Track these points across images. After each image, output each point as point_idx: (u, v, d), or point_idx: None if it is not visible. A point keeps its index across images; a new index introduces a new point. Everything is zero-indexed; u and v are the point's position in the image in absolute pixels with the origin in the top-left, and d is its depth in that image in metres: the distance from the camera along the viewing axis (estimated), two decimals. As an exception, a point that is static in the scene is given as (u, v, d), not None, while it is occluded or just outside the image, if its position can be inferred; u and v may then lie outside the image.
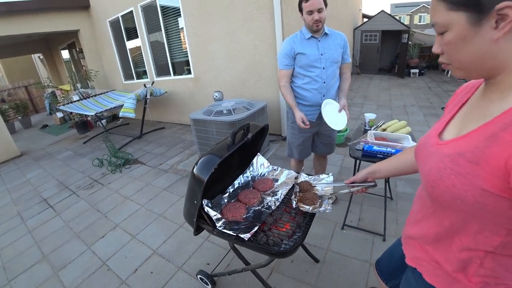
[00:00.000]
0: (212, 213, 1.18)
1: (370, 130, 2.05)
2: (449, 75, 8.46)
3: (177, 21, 4.89)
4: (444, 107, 0.88)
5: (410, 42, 9.21)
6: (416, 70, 8.97)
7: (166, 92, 5.42)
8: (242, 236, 1.08)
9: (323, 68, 1.93)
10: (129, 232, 2.42)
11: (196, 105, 5.18)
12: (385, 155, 1.67)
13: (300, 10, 1.86)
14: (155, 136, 5.27)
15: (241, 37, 4.05)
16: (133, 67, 6.28)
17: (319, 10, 1.78)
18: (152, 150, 4.50)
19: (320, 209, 1.17)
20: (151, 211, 2.71)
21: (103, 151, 4.45)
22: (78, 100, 5.48)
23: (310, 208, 1.17)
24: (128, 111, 4.36)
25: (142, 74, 6.24)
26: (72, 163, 4.38)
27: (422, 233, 0.74)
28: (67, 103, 5.46)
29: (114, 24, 6.09)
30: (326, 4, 1.81)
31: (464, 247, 0.62)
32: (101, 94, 5.81)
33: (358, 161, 2.06)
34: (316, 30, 1.86)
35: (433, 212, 0.69)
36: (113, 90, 6.09)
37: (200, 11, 4.34)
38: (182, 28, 4.78)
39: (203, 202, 1.20)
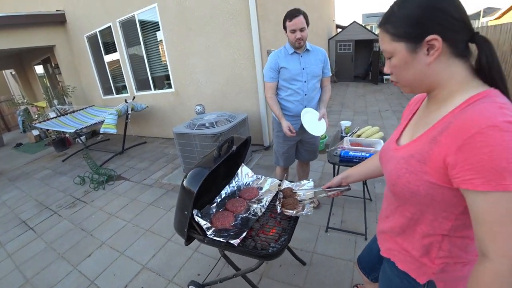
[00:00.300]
0: (202, 222, 1.25)
1: (346, 136, 2.21)
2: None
3: (157, 36, 4.95)
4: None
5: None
6: (389, 76, 9.42)
7: (147, 106, 5.41)
8: (232, 242, 1.15)
9: (305, 82, 2.08)
10: (117, 249, 2.40)
11: (178, 119, 5.21)
12: (361, 159, 1.80)
13: (284, 28, 2.00)
14: (137, 151, 5.22)
15: (221, 51, 4.16)
16: (112, 82, 6.22)
17: (301, 29, 1.93)
18: (135, 165, 4.46)
19: (303, 212, 1.27)
20: (138, 226, 2.70)
21: (84, 169, 4.35)
22: (55, 117, 5.35)
23: (294, 212, 1.27)
24: (109, 127, 4.32)
25: (121, 89, 6.19)
26: (51, 182, 4.25)
27: (391, 226, 0.84)
28: (44, 120, 5.31)
29: (92, 39, 6.04)
30: (308, 24, 1.97)
31: (425, 234, 0.73)
32: (80, 110, 5.71)
33: (337, 166, 2.20)
34: (298, 47, 2.01)
35: (397, 207, 0.80)
36: (92, 106, 6.00)
37: (180, 26, 4.43)
38: (162, 42, 4.84)
39: (193, 213, 1.27)
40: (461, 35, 0.62)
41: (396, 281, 0.84)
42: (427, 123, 0.69)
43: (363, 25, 11.43)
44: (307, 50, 2.07)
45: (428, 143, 0.64)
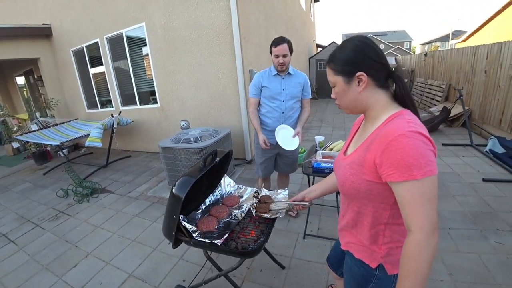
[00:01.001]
0: (188, 226, 1.40)
1: (319, 150, 2.45)
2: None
3: (142, 51, 5.11)
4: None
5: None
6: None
7: (132, 121, 5.50)
8: (215, 242, 1.31)
9: (283, 101, 2.32)
10: (103, 259, 2.46)
11: (163, 133, 5.32)
12: (331, 170, 2.03)
13: (270, 52, 2.26)
14: (122, 164, 5.25)
15: (205, 69, 4.39)
16: (97, 96, 6.27)
17: (284, 56, 2.19)
18: (119, 178, 4.51)
19: (276, 215, 1.46)
20: (124, 237, 2.77)
21: (67, 182, 4.33)
22: (37, 130, 5.31)
23: (268, 216, 1.46)
24: (94, 140, 4.38)
25: (106, 103, 6.24)
26: (32, 195, 4.20)
27: (347, 221, 1.03)
28: (25, 133, 5.26)
29: (78, 54, 6.12)
30: (291, 51, 2.23)
31: (370, 225, 0.93)
32: (63, 123, 5.70)
33: (311, 177, 2.41)
34: (280, 70, 2.26)
35: (347, 204, 1.00)
36: (75, 119, 6.00)
37: (166, 44, 4.64)
38: (148, 59, 5.01)
39: (180, 218, 1.42)
40: (380, 72, 0.87)
41: (355, 269, 1.01)
42: (364, 136, 0.92)
43: (342, 45, 12.10)
44: (289, 73, 2.32)
45: (363, 151, 0.86)
